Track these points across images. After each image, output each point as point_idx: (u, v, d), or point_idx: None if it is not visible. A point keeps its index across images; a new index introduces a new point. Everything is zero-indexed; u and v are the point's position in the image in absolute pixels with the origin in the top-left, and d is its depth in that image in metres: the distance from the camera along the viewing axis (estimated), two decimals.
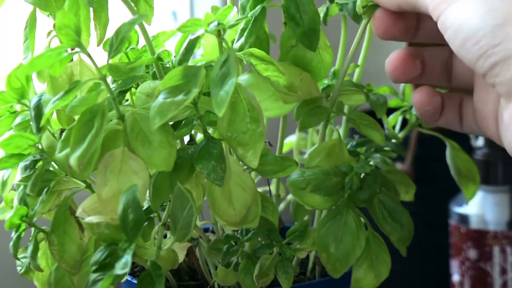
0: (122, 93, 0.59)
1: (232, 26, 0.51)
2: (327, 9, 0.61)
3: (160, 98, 0.49)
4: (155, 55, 0.57)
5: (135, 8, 0.57)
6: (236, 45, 0.55)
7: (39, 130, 0.54)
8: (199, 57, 0.63)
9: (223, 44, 0.51)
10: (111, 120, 0.52)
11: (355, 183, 0.54)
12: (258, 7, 0.53)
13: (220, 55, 0.51)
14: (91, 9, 0.57)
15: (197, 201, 0.54)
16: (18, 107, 0.60)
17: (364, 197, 0.54)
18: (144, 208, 0.58)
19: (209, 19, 0.50)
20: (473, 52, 0.46)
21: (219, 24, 0.50)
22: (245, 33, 0.54)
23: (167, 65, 0.59)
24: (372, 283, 0.56)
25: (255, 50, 0.54)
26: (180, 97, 0.48)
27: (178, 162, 0.52)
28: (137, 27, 0.59)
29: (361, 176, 0.55)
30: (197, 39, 0.52)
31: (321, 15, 0.60)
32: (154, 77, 0.59)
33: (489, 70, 0.46)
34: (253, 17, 0.53)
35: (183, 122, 0.54)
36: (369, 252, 0.56)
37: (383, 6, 0.52)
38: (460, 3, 0.47)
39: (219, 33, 0.51)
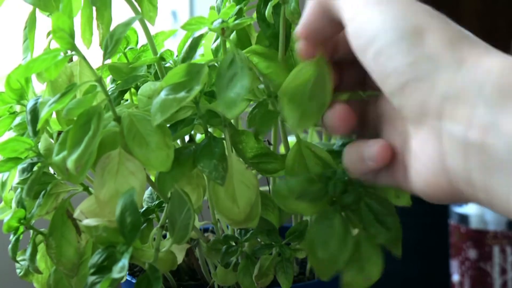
0: (123, 93, 0.59)
1: (237, 26, 0.51)
2: None
3: (162, 95, 0.49)
4: (158, 55, 0.57)
5: (139, 8, 0.57)
6: (213, 45, 0.55)
7: (35, 134, 0.54)
8: (198, 57, 0.63)
9: (227, 43, 0.51)
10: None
11: (338, 188, 0.54)
12: (236, 8, 0.54)
13: (224, 54, 0.51)
14: (94, 8, 0.57)
15: (197, 202, 0.54)
16: (18, 107, 0.60)
17: (349, 200, 0.54)
18: (143, 209, 0.58)
19: (213, 17, 0.50)
20: (386, 67, 0.43)
21: (223, 21, 0.50)
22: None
23: (167, 65, 0.59)
24: (361, 286, 0.56)
25: (257, 47, 0.54)
26: (182, 94, 0.48)
27: (180, 159, 0.52)
28: (139, 27, 0.59)
29: (347, 179, 0.55)
30: (200, 37, 0.51)
31: None
32: (156, 77, 0.58)
33: (399, 89, 0.43)
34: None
35: (184, 122, 0.54)
36: (359, 255, 0.55)
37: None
38: (372, 10, 0.44)
39: (223, 31, 0.51)
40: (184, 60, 0.52)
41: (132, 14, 0.55)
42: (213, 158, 0.51)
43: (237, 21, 0.51)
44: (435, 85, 0.41)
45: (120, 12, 0.58)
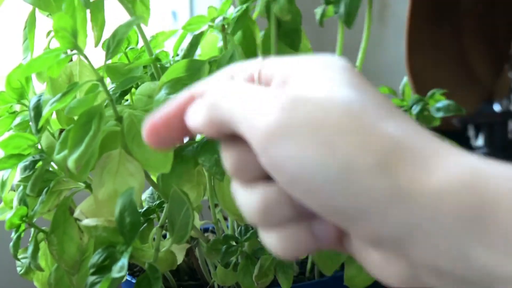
0: (124, 94, 0.59)
1: (238, 21, 0.52)
2: (323, 10, 0.61)
3: (163, 93, 0.49)
4: (153, 56, 0.57)
5: (132, 10, 0.57)
6: (219, 44, 0.55)
7: (38, 130, 0.54)
8: (197, 57, 0.63)
9: (227, 38, 0.52)
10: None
11: None
12: (241, 7, 0.53)
13: (225, 50, 0.51)
14: (88, 10, 0.57)
15: (197, 200, 0.54)
16: (17, 107, 0.61)
17: None
18: (143, 209, 0.58)
19: (212, 15, 0.51)
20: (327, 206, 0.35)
21: (224, 19, 0.50)
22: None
23: (167, 65, 0.59)
24: (365, 280, 0.56)
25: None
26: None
27: (183, 157, 0.52)
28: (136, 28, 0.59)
29: None
30: (201, 34, 0.52)
31: (318, 16, 0.60)
32: (153, 78, 0.59)
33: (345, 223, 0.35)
34: (236, 18, 0.54)
35: None
36: None
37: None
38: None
39: (223, 28, 0.51)
40: (185, 57, 0.52)
41: (126, 16, 0.56)
42: (214, 153, 0.51)
43: (235, 14, 0.51)
44: (386, 218, 0.34)
45: (113, 14, 0.58)
